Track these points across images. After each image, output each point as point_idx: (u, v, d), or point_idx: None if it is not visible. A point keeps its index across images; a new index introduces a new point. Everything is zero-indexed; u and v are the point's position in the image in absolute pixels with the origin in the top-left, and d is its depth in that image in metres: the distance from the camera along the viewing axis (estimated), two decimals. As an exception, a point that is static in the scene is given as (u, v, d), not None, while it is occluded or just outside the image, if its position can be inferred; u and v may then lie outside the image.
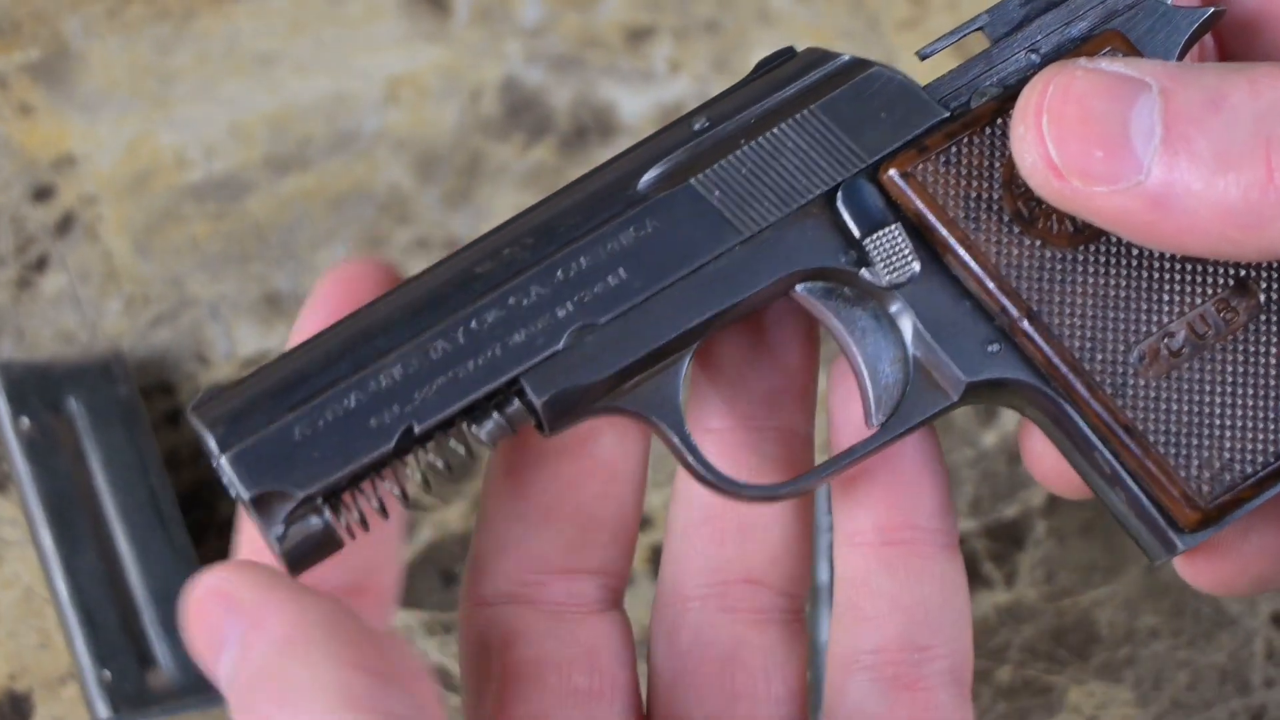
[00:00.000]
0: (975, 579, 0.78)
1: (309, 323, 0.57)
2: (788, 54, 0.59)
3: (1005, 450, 0.80)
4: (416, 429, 0.56)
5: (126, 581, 0.77)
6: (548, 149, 0.84)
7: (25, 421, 0.78)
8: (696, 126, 0.58)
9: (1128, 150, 0.54)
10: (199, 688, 0.76)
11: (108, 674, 0.75)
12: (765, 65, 0.59)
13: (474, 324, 0.56)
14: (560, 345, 0.56)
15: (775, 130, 0.58)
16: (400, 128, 0.84)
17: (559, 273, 0.57)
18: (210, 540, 0.79)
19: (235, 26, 0.86)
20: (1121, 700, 0.77)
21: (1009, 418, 0.80)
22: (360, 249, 0.82)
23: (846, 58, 0.59)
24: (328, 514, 0.55)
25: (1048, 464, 0.61)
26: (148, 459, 0.79)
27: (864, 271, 0.57)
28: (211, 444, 0.55)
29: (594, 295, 0.57)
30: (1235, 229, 0.53)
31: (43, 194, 0.83)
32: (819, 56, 0.59)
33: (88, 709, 0.76)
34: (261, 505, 0.55)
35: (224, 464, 0.55)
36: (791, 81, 0.58)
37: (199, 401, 0.56)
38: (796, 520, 0.61)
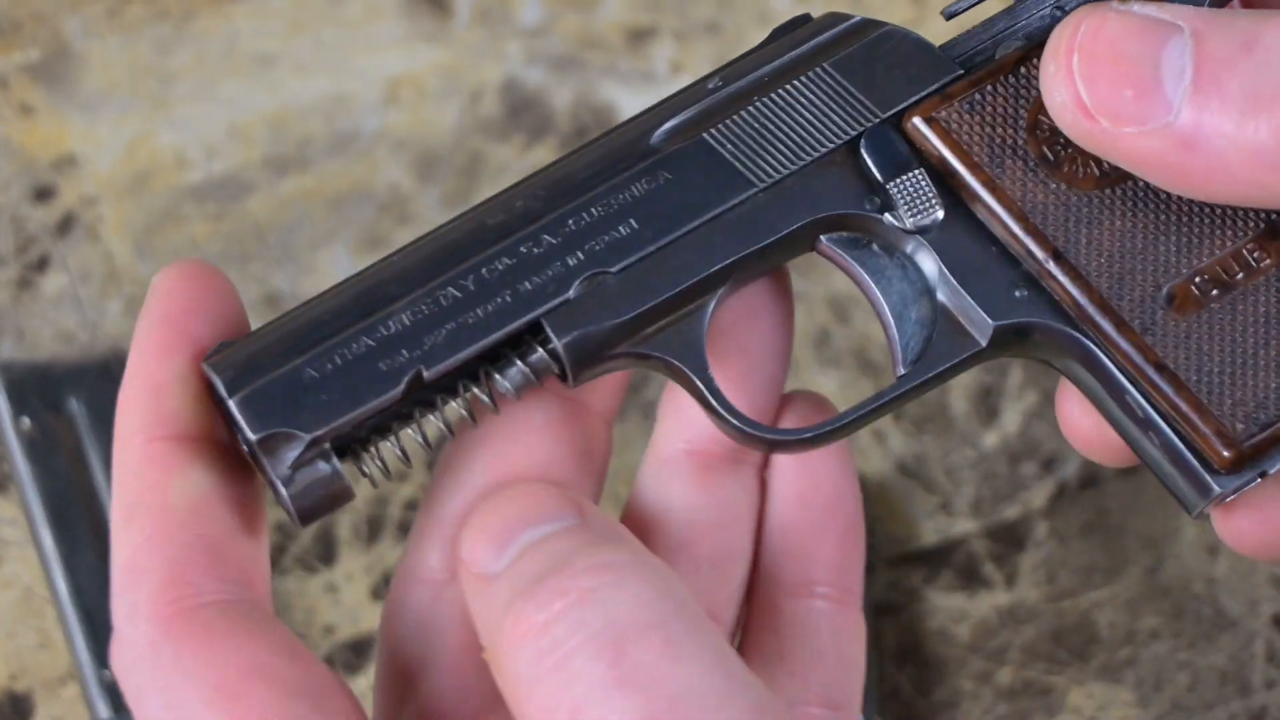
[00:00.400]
0: (975, 580, 0.78)
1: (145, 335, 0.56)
2: (803, 20, 0.60)
3: (1006, 451, 0.80)
4: (426, 374, 0.56)
5: (126, 582, 0.77)
6: (548, 149, 0.84)
7: (25, 421, 0.78)
8: (710, 86, 0.59)
9: (1158, 91, 0.53)
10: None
11: (107, 674, 0.75)
12: (781, 31, 0.60)
13: (484, 271, 0.57)
14: (570, 294, 0.57)
15: (787, 87, 0.58)
16: (400, 128, 0.84)
17: (570, 222, 0.57)
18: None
19: (235, 27, 0.86)
20: (1122, 701, 0.77)
21: (1009, 418, 0.80)
22: (360, 249, 0.82)
23: (859, 18, 0.59)
24: (336, 460, 0.55)
25: (1084, 429, 0.60)
26: (147, 459, 0.79)
27: (888, 216, 0.58)
28: (220, 389, 0.55)
29: (604, 244, 0.57)
30: (1265, 171, 0.53)
31: (43, 194, 0.83)
32: (833, 20, 0.59)
33: (88, 709, 0.76)
34: (269, 448, 0.55)
35: (232, 407, 0.55)
36: (804, 43, 0.59)
37: (211, 353, 0.56)
38: (749, 566, 0.61)
